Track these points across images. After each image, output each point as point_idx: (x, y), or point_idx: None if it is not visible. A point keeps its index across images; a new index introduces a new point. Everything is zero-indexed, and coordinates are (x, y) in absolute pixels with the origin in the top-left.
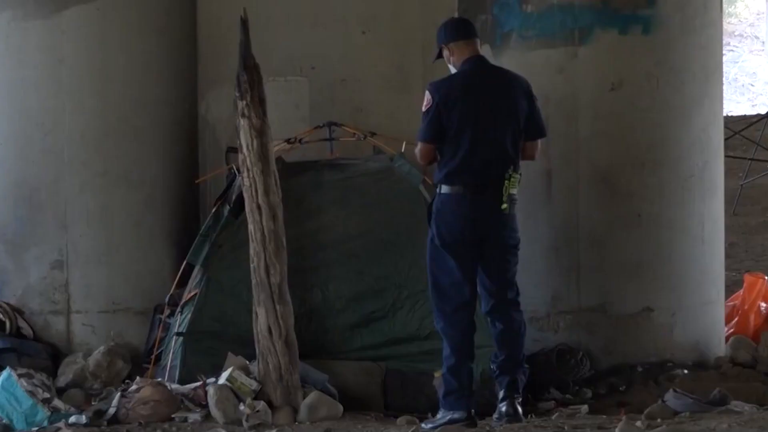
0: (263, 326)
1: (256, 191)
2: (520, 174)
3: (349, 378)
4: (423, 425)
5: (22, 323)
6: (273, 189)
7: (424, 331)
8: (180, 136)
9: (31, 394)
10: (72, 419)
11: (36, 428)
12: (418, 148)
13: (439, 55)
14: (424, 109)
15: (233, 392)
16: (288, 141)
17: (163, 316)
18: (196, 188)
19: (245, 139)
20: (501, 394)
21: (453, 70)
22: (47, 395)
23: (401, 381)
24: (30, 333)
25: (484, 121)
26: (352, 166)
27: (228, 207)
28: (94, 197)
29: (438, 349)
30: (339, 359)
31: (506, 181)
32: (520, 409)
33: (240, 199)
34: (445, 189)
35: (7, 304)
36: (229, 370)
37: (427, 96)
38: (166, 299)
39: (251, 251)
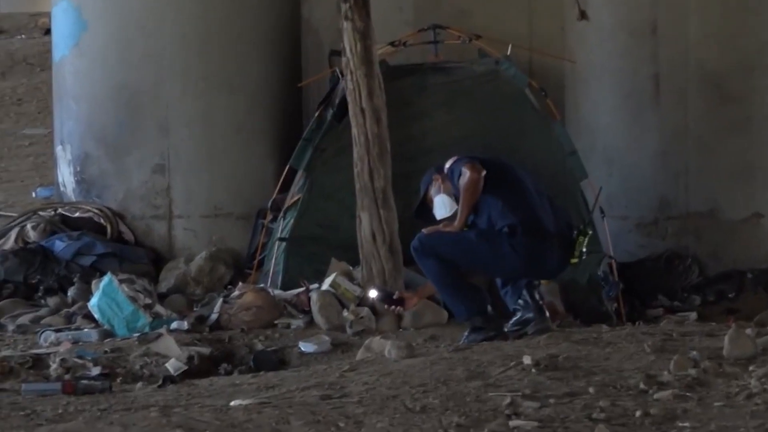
0: (367, 231)
1: (360, 94)
2: None
3: None
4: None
5: (123, 228)
6: (377, 92)
7: None
8: (282, 39)
9: (133, 299)
10: (174, 325)
11: (137, 334)
12: None
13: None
14: None
15: (336, 298)
16: (392, 44)
17: (265, 221)
18: (299, 92)
19: (349, 42)
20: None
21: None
22: (148, 301)
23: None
24: (131, 238)
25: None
26: (457, 70)
27: (331, 111)
28: (196, 102)
29: None
30: None
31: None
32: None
33: (343, 102)
34: None
35: (108, 208)
36: (333, 275)
37: None
38: (269, 204)
39: (355, 155)
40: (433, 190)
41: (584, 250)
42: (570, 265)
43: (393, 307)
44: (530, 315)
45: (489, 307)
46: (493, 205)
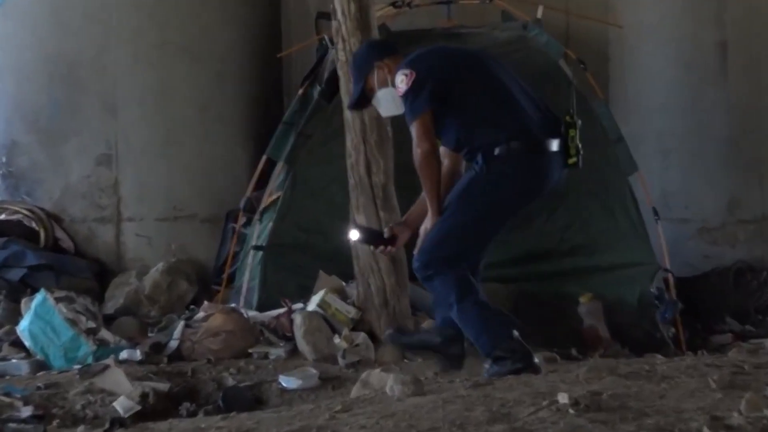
0: None
1: None
2: None
3: None
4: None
5: (60, 234)
6: None
7: (566, 244)
8: None
9: (72, 322)
10: (123, 354)
11: (78, 366)
12: None
13: (362, 93)
14: None
15: (326, 321)
16: (394, 5)
17: (237, 225)
18: (278, 64)
19: (340, 2)
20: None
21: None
22: (92, 324)
23: (537, 307)
24: (71, 246)
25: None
26: (475, 36)
27: (318, 88)
28: (149, 75)
29: (584, 267)
30: None
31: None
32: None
33: (334, 77)
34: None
35: (42, 209)
36: (321, 293)
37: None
38: (241, 204)
39: (348, 143)
40: (376, 81)
41: (579, 145)
42: (569, 168)
43: (382, 248)
44: (519, 365)
45: (516, 332)
46: (466, 125)
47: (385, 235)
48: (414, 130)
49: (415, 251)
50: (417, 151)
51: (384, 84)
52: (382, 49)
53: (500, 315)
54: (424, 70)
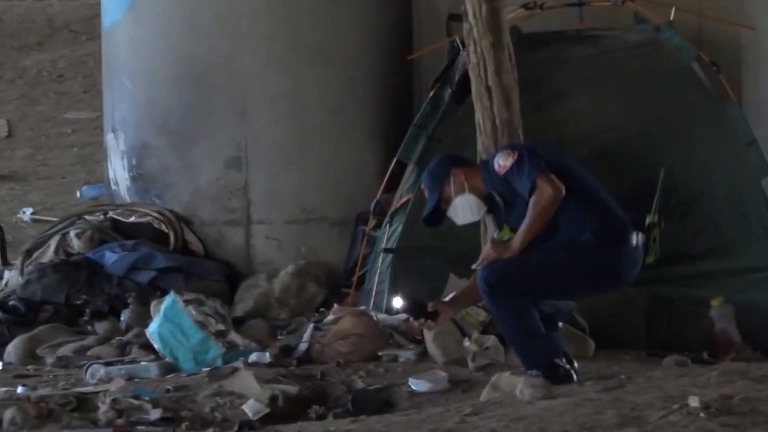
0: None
1: (486, 70)
2: None
3: (603, 307)
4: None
5: (190, 236)
6: (507, 67)
7: (699, 247)
8: (389, 1)
9: (202, 325)
10: (252, 357)
11: (207, 368)
12: None
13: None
14: None
15: (456, 324)
16: (526, 6)
17: (367, 228)
18: (410, 67)
19: (471, 4)
20: None
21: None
22: (221, 327)
23: (669, 311)
24: (200, 249)
25: None
26: (607, 39)
27: (449, 90)
28: (280, 78)
29: (716, 270)
30: None
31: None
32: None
33: (465, 79)
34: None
35: (172, 212)
36: (451, 295)
37: None
38: (372, 206)
39: (479, 146)
40: (453, 189)
41: (658, 247)
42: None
43: (422, 320)
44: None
45: (561, 355)
46: (561, 210)
47: (429, 309)
48: (540, 182)
49: (479, 266)
50: (548, 191)
51: (461, 190)
52: (457, 159)
53: (552, 338)
54: (526, 150)
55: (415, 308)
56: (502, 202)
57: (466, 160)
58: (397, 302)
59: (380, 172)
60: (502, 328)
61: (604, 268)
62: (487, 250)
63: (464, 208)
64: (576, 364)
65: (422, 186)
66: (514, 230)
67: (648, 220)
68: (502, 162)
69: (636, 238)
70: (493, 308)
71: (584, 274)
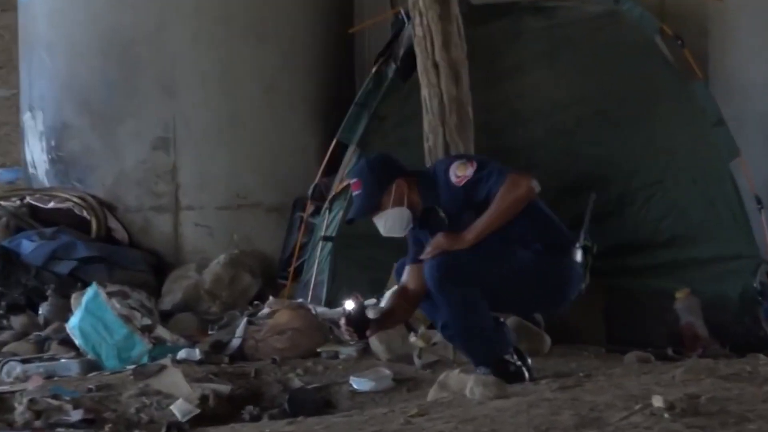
0: None
1: (432, 44)
2: None
3: None
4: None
5: (113, 223)
6: (455, 41)
7: (662, 235)
8: None
9: (126, 319)
10: (181, 354)
11: (132, 366)
12: None
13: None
14: None
15: None
16: None
17: (305, 215)
18: (350, 41)
19: None
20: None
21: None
22: (148, 321)
23: (630, 304)
24: (125, 237)
25: None
26: (564, 10)
27: (394, 66)
28: (212, 53)
29: (681, 260)
30: None
31: None
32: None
33: (410, 54)
34: None
35: (94, 197)
36: (395, 287)
37: None
38: (310, 191)
39: (425, 126)
40: (392, 198)
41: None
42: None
43: (350, 330)
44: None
45: (511, 350)
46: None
47: (366, 334)
48: (515, 177)
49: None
50: (524, 184)
51: (400, 203)
52: (401, 167)
53: (502, 329)
54: (479, 157)
55: (356, 320)
56: (446, 217)
57: (409, 170)
58: (349, 305)
59: (319, 154)
60: (450, 322)
61: (554, 276)
62: (437, 240)
63: (395, 221)
64: (530, 361)
65: (355, 179)
66: None
67: (580, 243)
68: (460, 173)
69: (579, 255)
70: (442, 300)
71: (534, 278)
